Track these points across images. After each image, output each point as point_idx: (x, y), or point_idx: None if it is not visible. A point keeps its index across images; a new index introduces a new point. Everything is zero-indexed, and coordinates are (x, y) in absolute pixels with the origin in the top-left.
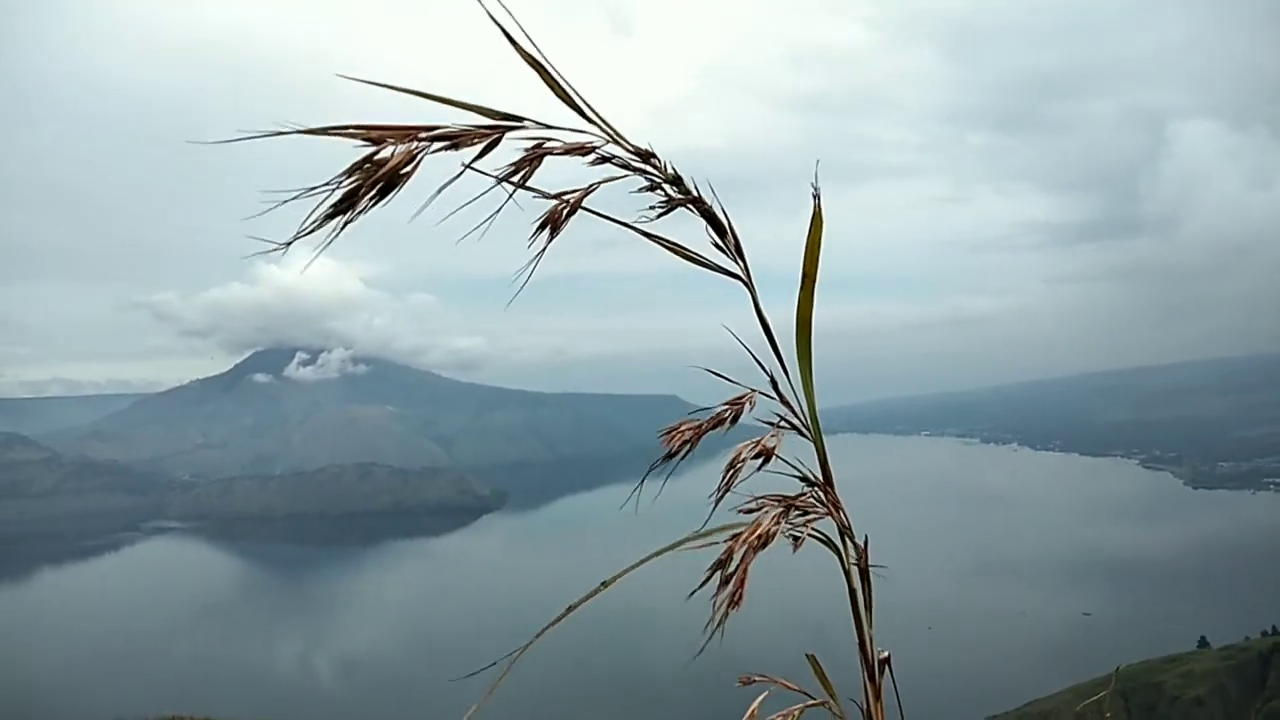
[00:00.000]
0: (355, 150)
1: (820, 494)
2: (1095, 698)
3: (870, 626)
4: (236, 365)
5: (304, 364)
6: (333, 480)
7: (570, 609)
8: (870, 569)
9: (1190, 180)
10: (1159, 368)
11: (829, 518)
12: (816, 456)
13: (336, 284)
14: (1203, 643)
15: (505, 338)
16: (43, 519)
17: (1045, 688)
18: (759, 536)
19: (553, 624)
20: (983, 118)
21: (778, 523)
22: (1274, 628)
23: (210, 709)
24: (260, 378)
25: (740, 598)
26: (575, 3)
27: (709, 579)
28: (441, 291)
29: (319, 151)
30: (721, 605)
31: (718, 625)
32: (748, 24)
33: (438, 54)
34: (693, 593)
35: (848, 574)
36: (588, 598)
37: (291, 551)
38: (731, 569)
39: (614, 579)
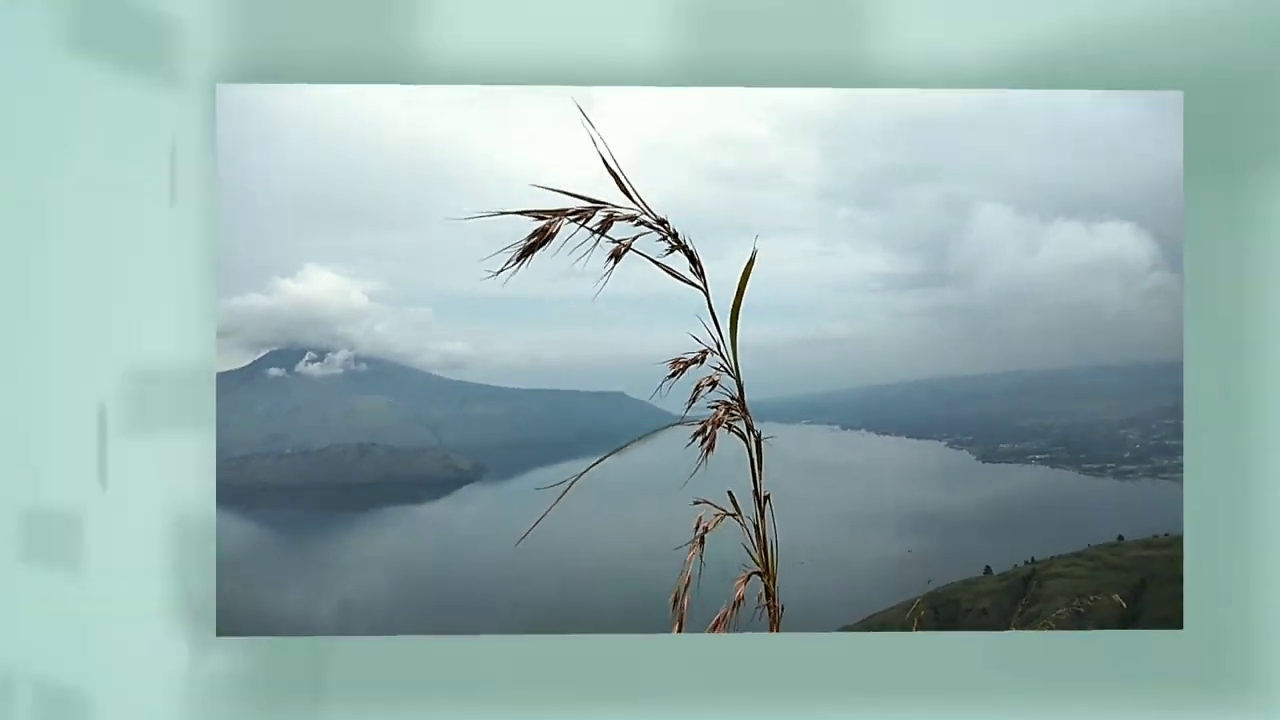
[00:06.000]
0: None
1: (739, 406)
2: (913, 608)
3: (761, 477)
4: (254, 361)
5: (312, 361)
6: (335, 458)
7: (575, 479)
8: (763, 440)
9: (983, 248)
10: (965, 376)
11: (742, 421)
12: (736, 388)
13: (344, 297)
14: (987, 570)
15: (489, 343)
16: None
17: (883, 604)
18: (719, 420)
19: (568, 488)
20: (847, 196)
21: (726, 415)
22: (1032, 558)
23: None
24: (274, 372)
25: (713, 445)
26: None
27: (691, 443)
28: (436, 305)
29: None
30: (704, 452)
31: (700, 466)
32: (683, 115)
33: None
34: (687, 445)
35: (749, 445)
36: (591, 467)
37: (297, 516)
38: (706, 435)
39: (611, 453)
